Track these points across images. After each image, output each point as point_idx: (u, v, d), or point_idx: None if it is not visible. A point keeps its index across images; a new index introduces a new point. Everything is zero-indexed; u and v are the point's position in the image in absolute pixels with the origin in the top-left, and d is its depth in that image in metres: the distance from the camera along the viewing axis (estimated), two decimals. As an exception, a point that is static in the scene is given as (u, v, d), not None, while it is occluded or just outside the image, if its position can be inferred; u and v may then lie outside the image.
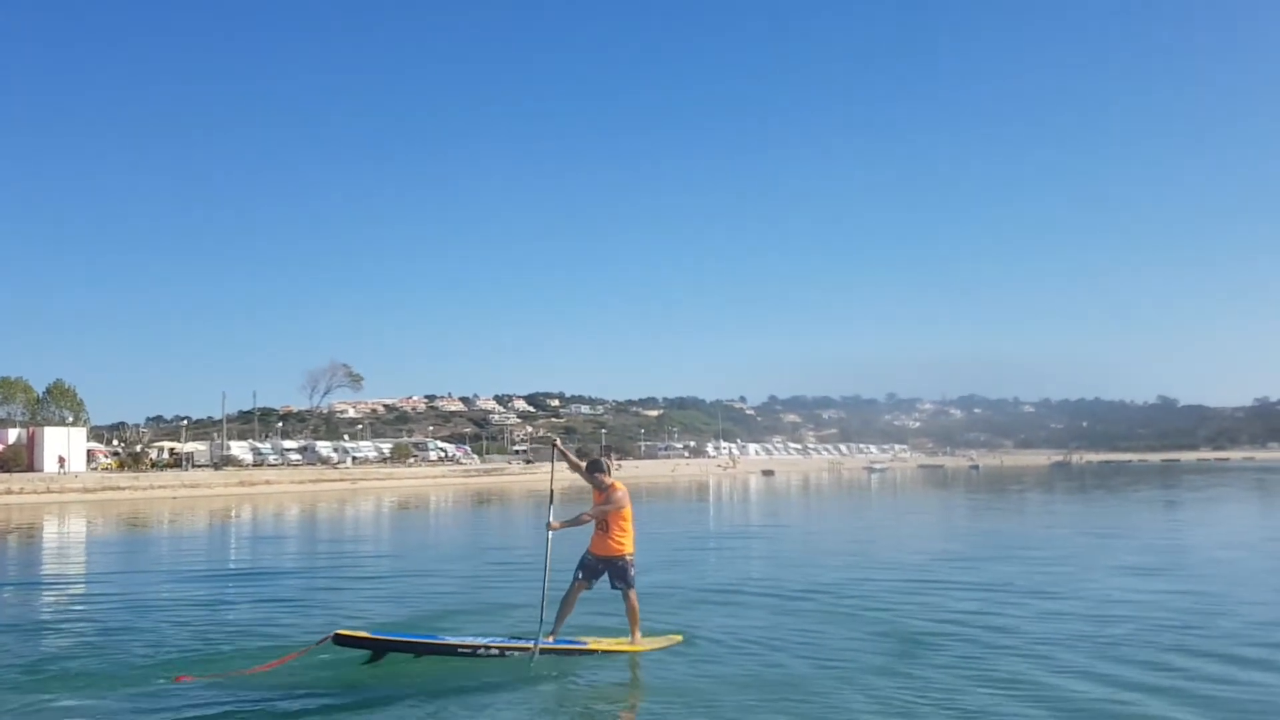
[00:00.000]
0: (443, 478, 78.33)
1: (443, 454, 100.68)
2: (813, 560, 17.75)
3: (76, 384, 77.18)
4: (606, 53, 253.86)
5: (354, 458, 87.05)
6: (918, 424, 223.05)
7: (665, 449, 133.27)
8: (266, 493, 57.90)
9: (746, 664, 8.75)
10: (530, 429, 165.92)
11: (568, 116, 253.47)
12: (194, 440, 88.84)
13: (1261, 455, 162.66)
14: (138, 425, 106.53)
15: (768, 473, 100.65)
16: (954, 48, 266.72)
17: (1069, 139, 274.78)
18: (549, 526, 9.11)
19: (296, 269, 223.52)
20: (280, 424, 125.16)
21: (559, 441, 10.03)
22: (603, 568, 9.19)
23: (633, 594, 9.17)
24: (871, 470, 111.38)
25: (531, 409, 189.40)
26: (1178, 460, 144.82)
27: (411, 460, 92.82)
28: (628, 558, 9.17)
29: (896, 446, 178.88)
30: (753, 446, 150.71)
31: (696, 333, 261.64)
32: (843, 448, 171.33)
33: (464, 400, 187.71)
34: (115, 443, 79.42)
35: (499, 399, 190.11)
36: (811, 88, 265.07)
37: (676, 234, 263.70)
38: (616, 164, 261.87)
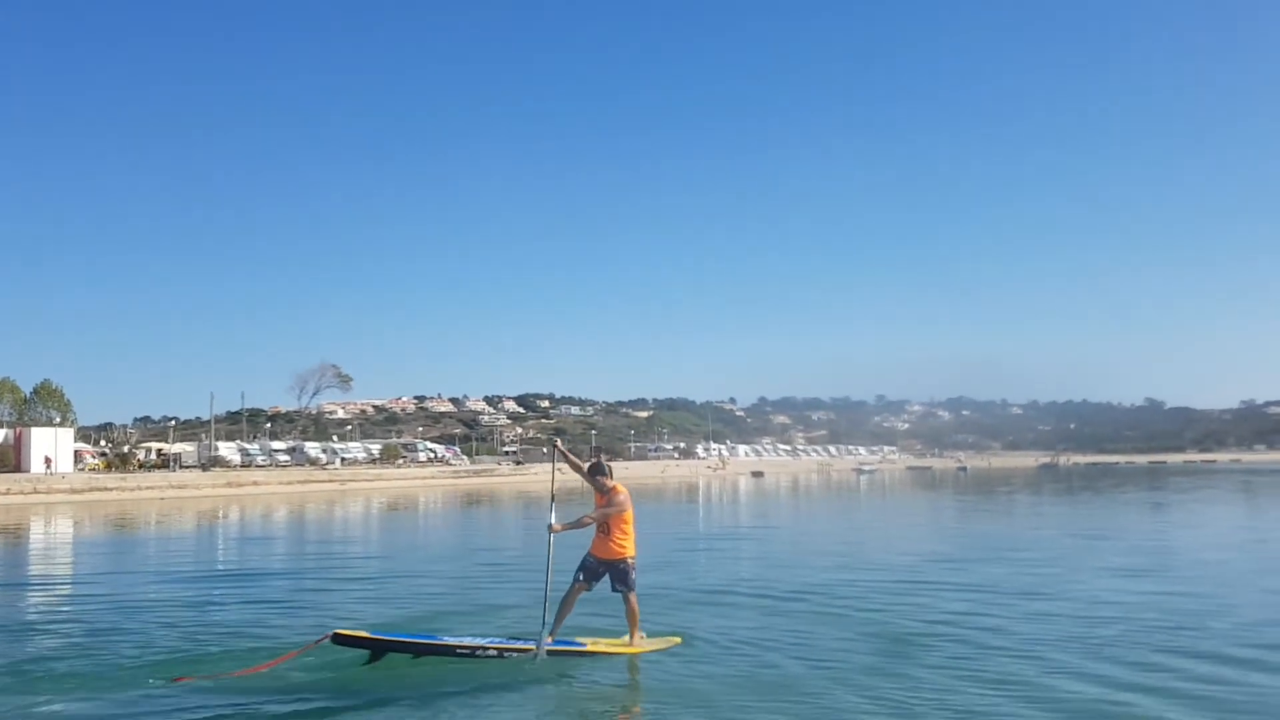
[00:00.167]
0: (432, 479, 78.17)
1: (432, 455, 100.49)
2: (803, 561, 17.78)
3: (64, 384, 77.11)
4: (606, 53, 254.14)
5: (343, 459, 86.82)
6: (906, 426, 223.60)
7: (655, 450, 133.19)
8: (254, 494, 57.68)
9: (741, 665, 8.75)
10: (520, 430, 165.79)
11: (567, 116, 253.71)
12: (182, 441, 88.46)
13: (1248, 457, 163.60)
14: (125, 426, 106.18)
15: (757, 474, 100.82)
16: (954, 47, 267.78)
17: (1067, 140, 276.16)
18: (550, 529, 9.08)
19: (286, 270, 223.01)
20: (268, 425, 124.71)
21: (559, 443, 10.00)
22: (604, 570, 9.18)
23: (633, 597, 9.17)
24: (860, 472, 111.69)
25: (521, 410, 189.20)
26: (1164, 462, 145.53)
27: (400, 461, 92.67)
28: (629, 561, 9.17)
29: (885, 448, 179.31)
30: (742, 448, 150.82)
31: (686, 334, 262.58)
32: (832, 449, 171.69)
33: (453, 401, 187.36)
34: (103, 443, 79.09)
35: (488, 400, 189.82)
36: (811, 88, 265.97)
37: (669, 235, 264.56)
38: (613, 164, 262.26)
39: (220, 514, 38.82)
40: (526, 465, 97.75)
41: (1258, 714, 7.21)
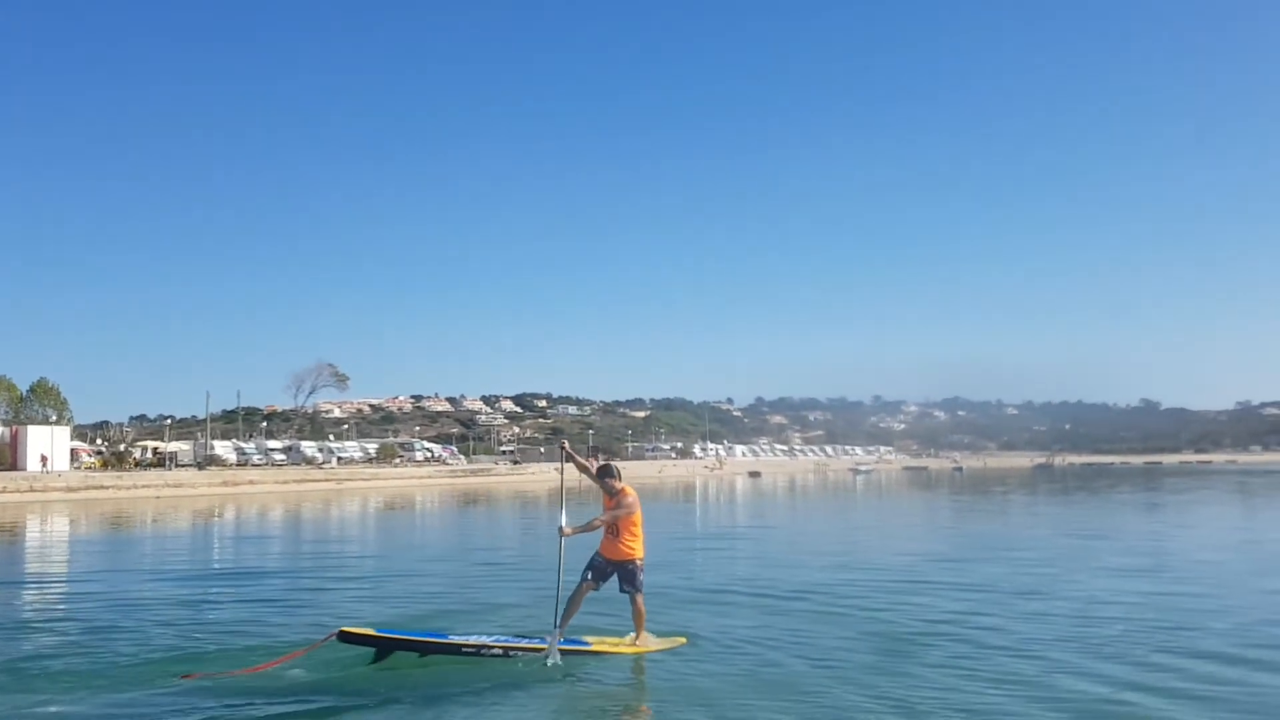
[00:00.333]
0: (429, 478, 78.05)
1: (429, 454, 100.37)
2: (801, 561, 17.78)
3: (60, 382, 76.85)
4: (605, 52, 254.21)
5: (339, 458, 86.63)
6: (903, 426, 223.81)
7: (652, 450, 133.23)
8: (251, 493, 57.58)
9: (743, 664, 8.76)
10: (517, 430, 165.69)
11: (566, 116, 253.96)
12: (178, 440, 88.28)
13: (1243, 458, 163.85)
14: (121, 424, 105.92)
15: (754, 474, 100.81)
16: (954, 47, 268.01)
17: (1064, 140, 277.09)
18: (561, 532, 9.08)
19: (282, 268, 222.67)
20: (265, 424, 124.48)
21: (567, 444, 10.01)
22: (612, 570, 9.22)
23: (640, 598, 9.21)
24: (857, 472, 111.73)
25: (519, 410, 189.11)
26: (1160, 463, 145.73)
27: (397, 461, 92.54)
28: (638, 562, 9.21)
29: (882, 448, 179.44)
30: (739, 448, 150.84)
31: (684, 334, 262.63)
32: (828, 449, 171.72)
33: (451, 400, 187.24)
34: (99, 442, 78.96)
35: (486, 399, 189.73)
36: (811, 88, 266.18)
37: (667, 235, 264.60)
38: (612, 164, 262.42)
39: (216, 513, 38.75)
40: (524, 465, 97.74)
41: (1259, 713, 7.21)
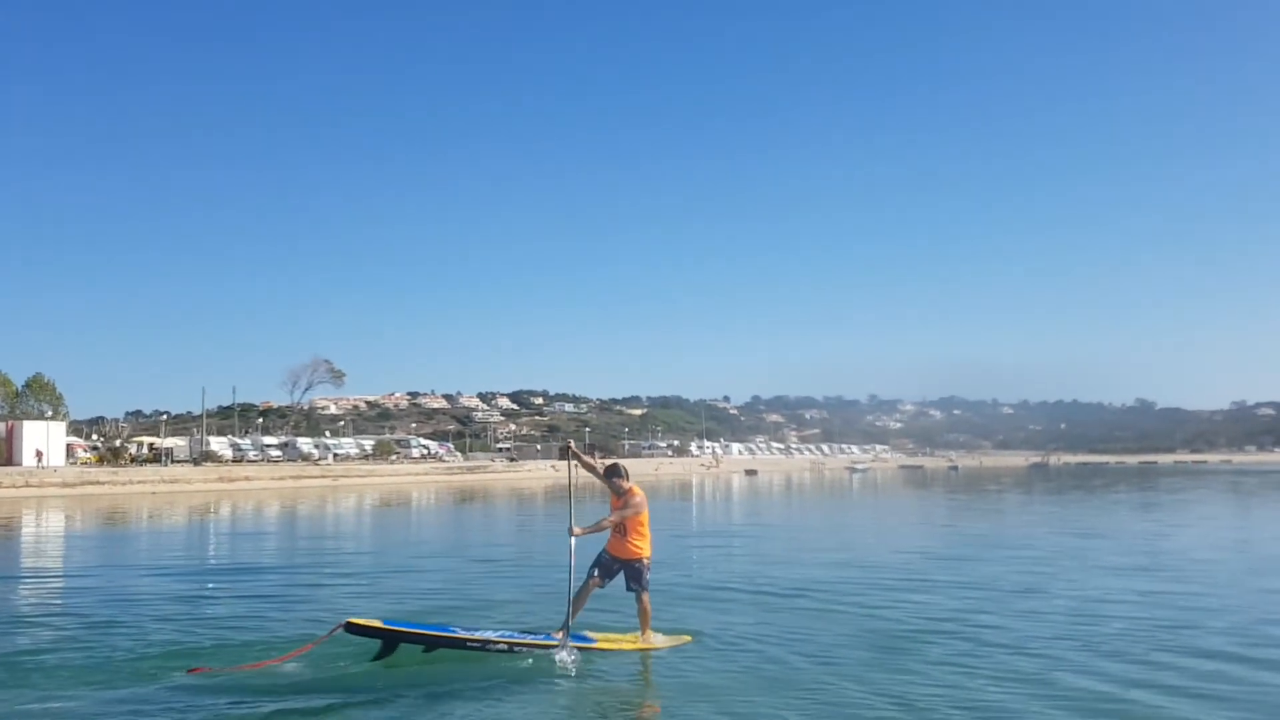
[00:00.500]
0: (425, 475, 77.97)
1: (425, 451, 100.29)
2: (799, 559, 17.79)
3: (56, 378, 76.57)
4: (604, 52, 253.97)
5: (335, 454, 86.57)
6: (899, 425, 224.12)
7: (649, 448, 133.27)
8: (247, 489, 57.49)
9: (745, 660, 8.79)
10: (514, 427, 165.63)
11: (565, 116, 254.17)
12: (173, 435, 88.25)
13: (1238, 458, 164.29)
14: (117, 420, 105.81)
15: (750, 472, 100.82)
16: (954, 47, 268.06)
17: (1062, 141, 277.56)
18: (571, 532, 9.09)
19: (279, 265, 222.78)
20: (260, 420, 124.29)
21: (573, 445, 10.01)
22: (618, 568, 9.26)
23: (646, 596, 9.26)
24: (853, 470, 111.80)
25: (515, 407, 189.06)
26: (1155, 462, 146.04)
27: (394, 457, 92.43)
28: (645, 561, 9.26)
29: (878, 447, 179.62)
30: (736, 446, 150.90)
31: (681, 332, 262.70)
32: (825, 448, 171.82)
33: (447, 397, 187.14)
34: (94, 437, 78.95)
35: (482, 396, 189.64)
36: (810, 88, 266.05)
37: (664, 235, 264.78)
38: (610, 164, 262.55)
39: (212, 509, 38.70)
40: (520, 462, 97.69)
41: (1258, 711, 7.23)
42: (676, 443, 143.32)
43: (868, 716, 7.06)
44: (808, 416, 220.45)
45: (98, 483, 53.31)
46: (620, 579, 9.28)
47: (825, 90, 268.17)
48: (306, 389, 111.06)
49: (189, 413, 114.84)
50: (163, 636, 9.91)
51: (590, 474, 9.73)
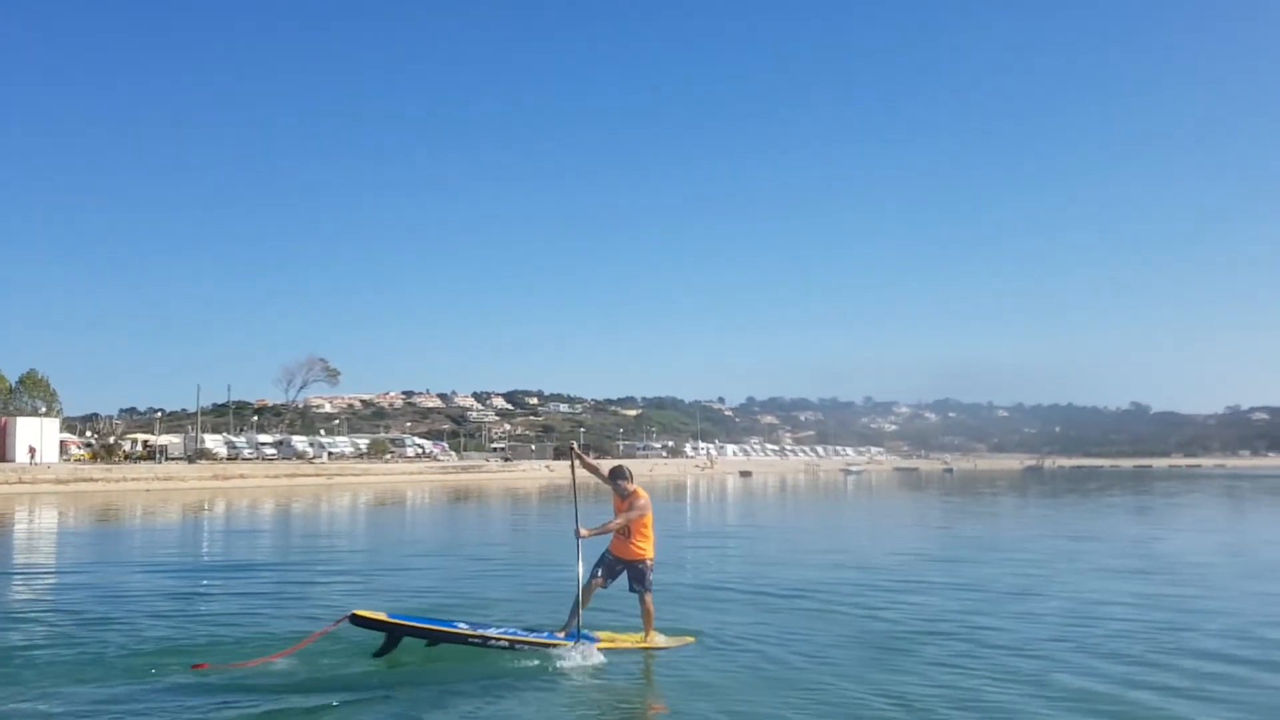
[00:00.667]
0: (420, 474, 77.92)
1: (420, 450, 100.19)
2: (795, 560, 17.78)
3: (50, 374, 76.46)
4: (602, 51, 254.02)
5: (330, 453, 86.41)
6: (894, 427, 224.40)
7: (643, 449, 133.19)
8: (241, 487, 57.39)
9: (744, 660, 8.79)
10: (508, 427, 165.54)
11: (565, 115, 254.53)
12: (168, 433, 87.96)
13: (1232, 462, 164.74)
14: (111, 417, 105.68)
15: (745, 474, 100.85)
16: (953, 47, 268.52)
17: (1059, 143, 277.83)
18: (578, 534, 9.08)
19: (275, 263, 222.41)
20: (255, 418, 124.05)
21: (575, 446, 10.00)
22: (622, 568, 9.28)
23: (649, 597, 9.26)
24: (847, 472, 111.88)
25: (510, 407, 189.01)
26: (1149, 466, 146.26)
27: (388, 456, 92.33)
28: (648, 562, 9.28)
29: (872, 449, 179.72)
30: (730, 447, 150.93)
31: (676, 333, 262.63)
32: (819, 449, 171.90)
33: (442, 397, 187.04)
34: (88, 434, 78.74)
35: (477, 396, 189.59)
36: (812, 88, 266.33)
37: (661, 235, 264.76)
38: (608, 163, 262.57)
39: (206, 506, 38.61)
40: (514, 462, 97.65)
41: (1256, 711, 7.24)
42: (671, 443, 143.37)
43: (866, 715, 7.07)
44: (803, 418, 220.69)
45: (91, 480, 53.18)
46: (623, 579, 9.28)
47: (825, 90, 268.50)
48: (302, 387, 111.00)
49: (184, 410, 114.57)
50: (156, 633, 9.87)
51: (591, 474, 9.72)
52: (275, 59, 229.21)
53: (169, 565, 17.15)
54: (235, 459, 74.70)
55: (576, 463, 9.72)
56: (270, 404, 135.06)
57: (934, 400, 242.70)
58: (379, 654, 8.48)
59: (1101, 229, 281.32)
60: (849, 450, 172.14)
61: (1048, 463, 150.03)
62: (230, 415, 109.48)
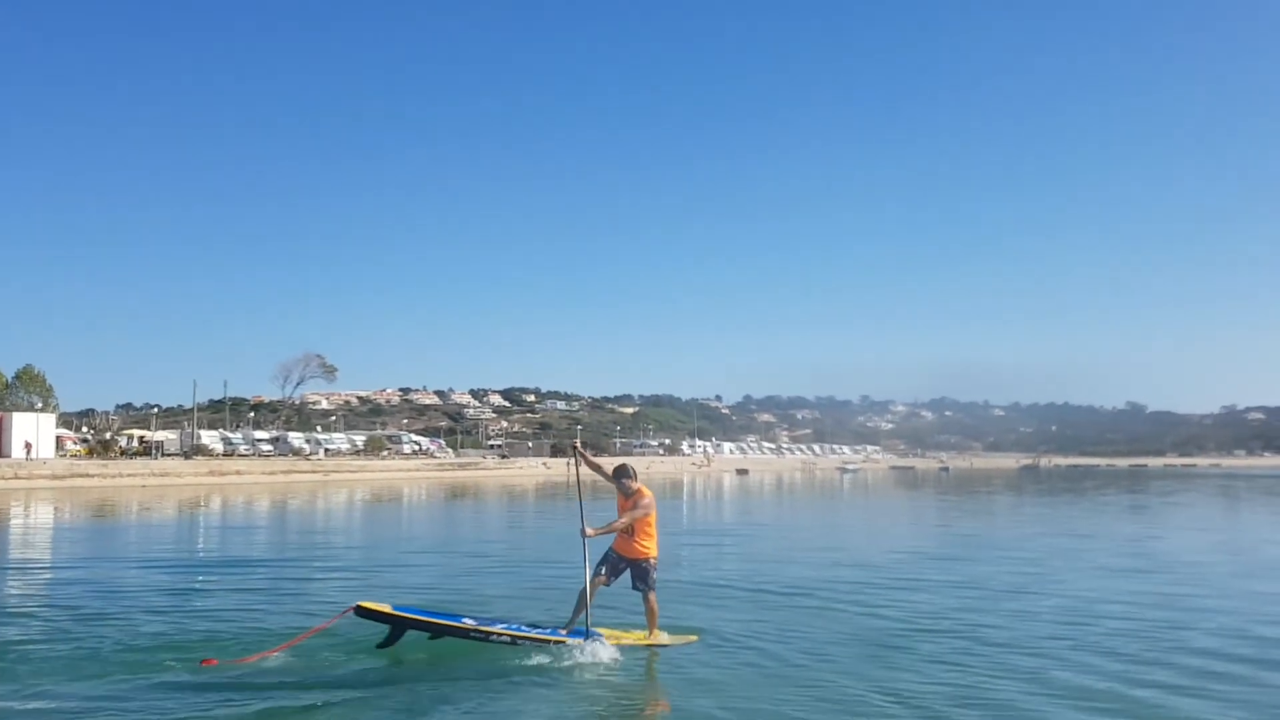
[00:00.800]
0: (416, 471, 77.88)
1: (417, 447, 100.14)
2: (793, 558, 17.78)
3: (46, 370, 76.29)
4: (600, 51, 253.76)
5: (326, 449, 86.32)
6: (890, 426, 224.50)
7: (640, 446, 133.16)
8: (237, 483, 57.34)
9: (744, 656, 8.82)
10: (505, 424, 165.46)
11: (564, 114, 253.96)
12: (164, 429, 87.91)
13: (1227, 462, 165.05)
14: (107, 412, 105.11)
15: (742, 472, 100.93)
16: (953, 47, 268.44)
17: (1056, 142, 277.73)
18: (583, 533, 9.07)
19: (272, 259, 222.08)
20: (251, 414, 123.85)
21: (578, 444, 9.98)
22: (625, 566, 9.29)
23: (652, 595, 9.27)
24: (844, 471, 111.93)
25: (507, 404, 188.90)
26: (1145, 466, 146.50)
27: (385, 453, 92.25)
28: (651, 560, 9.29)
29: (869, 447, 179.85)
30: (727, 445, 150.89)
31: (673, 331, 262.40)
32: (816, 448, 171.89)
33: (439, 394, 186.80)
34: (84, 429, 78.53)
35: (474, 393, 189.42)
36: (812, 88, 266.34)
37: (659, 234, 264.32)
38: (606, 162, 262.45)
39: (202, 502, 38.55)
40: (511, 459, 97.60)
41: (1254, 710, 7.24)
42: (668, 441, 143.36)
43: (865, 711, 7.09)
44: (799, 416, 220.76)
45: (87, 475, 53.11)
46: (626, 577, 9.28)
47: (825, 90, 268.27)
48: (298, 383, 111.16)
49: (180, 406, 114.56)
50: (152, 629, 9.85)
51: (594, 472, 9.71)
52: (275, 59, 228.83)
53: (165, 561, 17.13)
54: (231, 455, 74.60)
55: (580, 461, 9.70)
56: (267, 400, 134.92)
57: (930, 399, 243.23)
58: (383, 644, 8.48)
59: (1101, 229, 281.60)
60: (845, 449, 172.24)
61: (1044, 462, 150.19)
62: (227, 411, 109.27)
